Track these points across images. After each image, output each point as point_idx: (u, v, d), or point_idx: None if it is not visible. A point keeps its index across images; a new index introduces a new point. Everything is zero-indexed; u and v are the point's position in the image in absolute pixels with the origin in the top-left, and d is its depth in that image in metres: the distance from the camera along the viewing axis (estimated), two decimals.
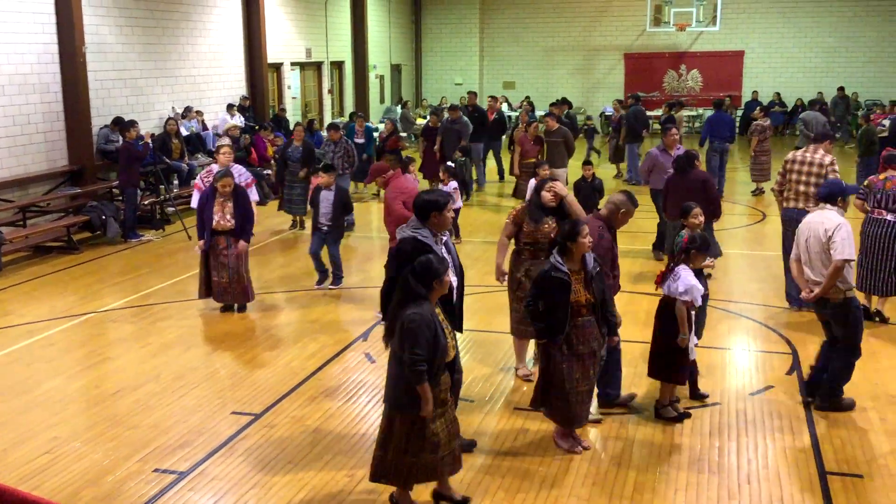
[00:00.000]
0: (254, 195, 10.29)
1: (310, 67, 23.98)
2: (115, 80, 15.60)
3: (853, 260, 6.54)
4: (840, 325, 6.71)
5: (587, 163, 12.55)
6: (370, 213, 15.84)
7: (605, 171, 18.97)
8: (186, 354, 8.28)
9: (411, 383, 4.91)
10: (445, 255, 5.73)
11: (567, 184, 14.25)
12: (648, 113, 27.03)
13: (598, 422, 6.57)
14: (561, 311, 5.81)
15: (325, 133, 17.91)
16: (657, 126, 21.83)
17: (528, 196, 10.17)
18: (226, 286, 9.27)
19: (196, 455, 6.13)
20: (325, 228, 10.08)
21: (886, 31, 27.53)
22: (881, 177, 8.96)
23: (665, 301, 6.53)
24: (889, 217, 8.76)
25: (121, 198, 13.93)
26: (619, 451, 6.10)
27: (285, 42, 22.03)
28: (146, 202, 14.24)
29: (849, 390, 6.97)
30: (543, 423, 6.56)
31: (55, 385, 7.52)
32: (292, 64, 22.66)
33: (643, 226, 12.62)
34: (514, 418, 6.70)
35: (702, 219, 7.39)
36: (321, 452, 6.16)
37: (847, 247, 6.44)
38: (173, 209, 14.39)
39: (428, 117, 18.14)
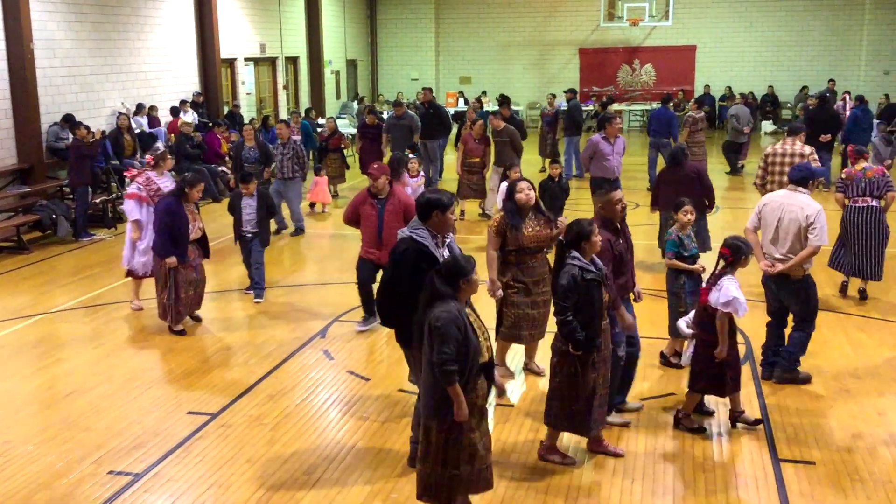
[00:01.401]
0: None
1: (264, 63, 23.77)
2: (64, 77, 15.31)
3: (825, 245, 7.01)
4: (799, 299, 7.05)
5: (555, 161, 12.32)
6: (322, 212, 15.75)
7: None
8: (140, 354, 8.17)
9: (443, 386, 4.68)
10: (446, 255, 5.48)
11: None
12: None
13: (626, 425, 6.46)
14: (598, 315, 5.55)
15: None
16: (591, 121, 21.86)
17: (500, 202, 10.04)
18: (191, 302, 8.76)
19: (151, 456, 6.06)
20: (250, 235, 9.63)
21: (835, 25, 28.02)
22: (858, 168, 9.43)
23: (705, 312, 6.27)
24: (874, 203, 9.33)
25: (71, 196, 13.70)
26: (577, 440, 6.13)
27: (238, 37, 21.80)
28: (97, 200, 14.01)
29: None
30: (509, 412, 6.59)
31: (6, 387, 7.37)
32: (246, 59, 22.45)
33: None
34: None
35: (690, 217, 7.35)
36: (279, 451, 6.12)
37: (825, 234, 6.87)
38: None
39: (365, 115, 17.23)
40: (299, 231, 13.31)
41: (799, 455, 5.99)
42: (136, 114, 16.95)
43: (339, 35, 28.10)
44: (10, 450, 6.17)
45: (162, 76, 18.43)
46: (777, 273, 7.00)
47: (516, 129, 14.15)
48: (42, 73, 14.52)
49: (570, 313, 5.47)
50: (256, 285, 9.79)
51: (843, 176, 9.55)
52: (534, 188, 7.02)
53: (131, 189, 9.46)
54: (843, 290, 9.68)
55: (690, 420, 6.38)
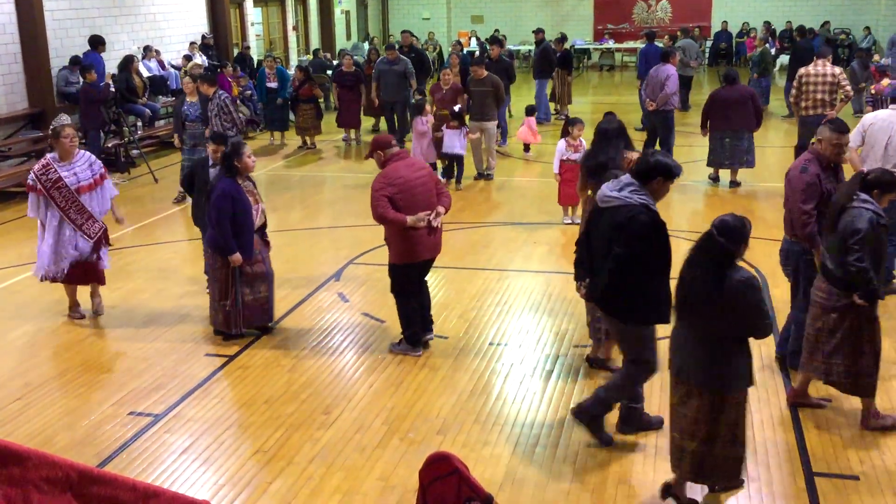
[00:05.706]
0: (112, 190, 7.82)
1: (273, 3, 23.44)
2: (72, 20, 15.16)
3: None
4: None
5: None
6: (315, 160, 15.65)
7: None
8: (157, 298, 8.21)
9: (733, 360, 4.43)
10: None
11: (496, 137, 13.35)
12: (617, 46, 27.44)
13: None
14: (883, 265, 5.27)
15: (291, 72, 17.51)
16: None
17: (557, 163, 9.96)
18: (263, 303, 7.12)
19: (171, 397, 6.13)
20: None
21: None
22: (885, 84, 10.72)
23: None
24: None
25: (84, 141, 13.65)
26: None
27: None
28: (110, 145, 13.96)
29: None
30: (508, 353, 6.62)
31: (25, 331, 7.44)
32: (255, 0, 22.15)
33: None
34: (490, 350, 6.74)
35: None
36: (297, 392, 6.17)
37: None
38: (138, 152, 14.15)
39: (343, 60, 16.29)
40: None
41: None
42: (143, 57, 16.79)
43: None
44: (31, 392, 6.25)
45: (171, 17, 18.21)
46: None
47: (500, 80, 12.94)
48: (50, 16, 14.37)
49: (863, 261, 5.06)
50: None
51: (873, 91, 10.78)
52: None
53: (28, 179, 7.47)
54: None
55: None
